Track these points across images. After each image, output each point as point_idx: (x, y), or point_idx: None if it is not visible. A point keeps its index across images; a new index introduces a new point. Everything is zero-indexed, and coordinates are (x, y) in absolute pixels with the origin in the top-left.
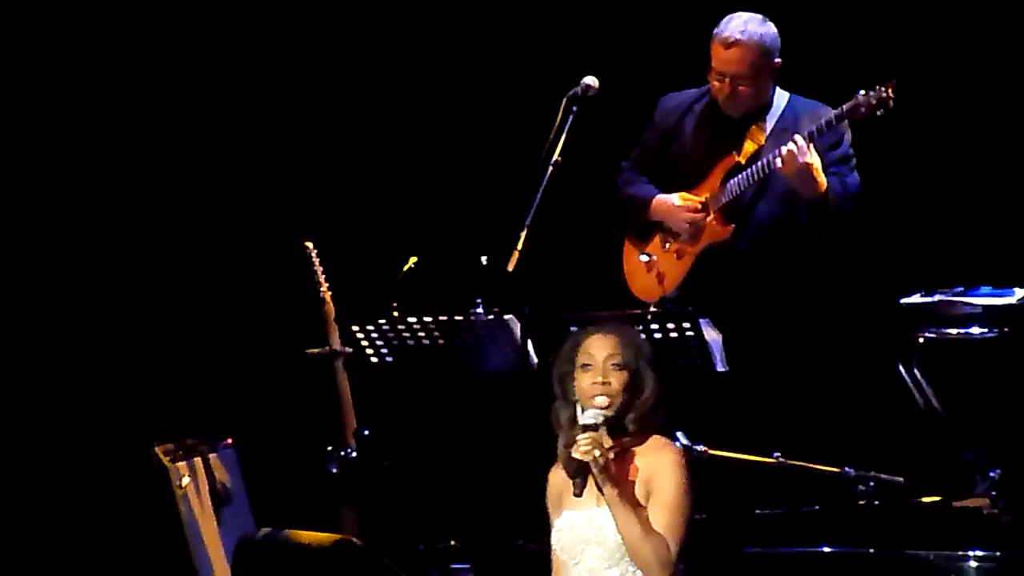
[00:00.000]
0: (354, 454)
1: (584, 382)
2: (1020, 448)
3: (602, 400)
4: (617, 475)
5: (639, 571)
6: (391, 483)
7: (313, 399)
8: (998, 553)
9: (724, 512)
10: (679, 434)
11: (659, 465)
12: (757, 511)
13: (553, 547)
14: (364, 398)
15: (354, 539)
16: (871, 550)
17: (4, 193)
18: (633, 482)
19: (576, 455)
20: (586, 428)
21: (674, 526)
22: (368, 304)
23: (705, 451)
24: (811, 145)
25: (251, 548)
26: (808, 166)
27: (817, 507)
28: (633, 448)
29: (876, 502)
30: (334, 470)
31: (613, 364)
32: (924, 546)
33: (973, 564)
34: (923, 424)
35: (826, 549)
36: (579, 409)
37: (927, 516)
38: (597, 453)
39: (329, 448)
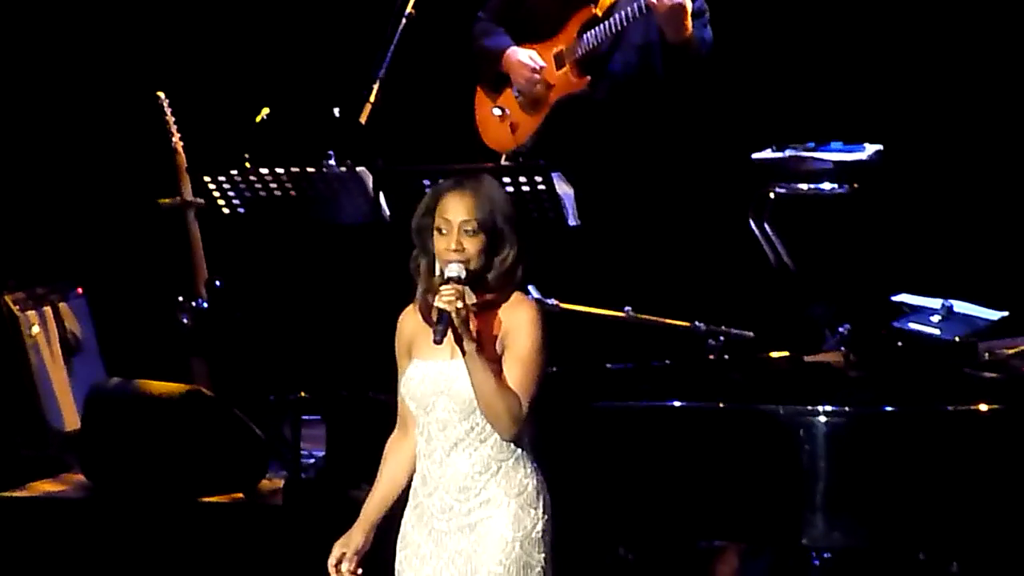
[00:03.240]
0: (205, 305)
1: (440, 246)
2: (870, 303)
3: (457, 267)
4: (476, 330)
5: (488, 425)
6: (242, 334)
7: (164, 250)
8: (847, 408)
9: (575, 366)
10: (531, 288)
11: (515, 322)
12: (608, 365)
13: (402, 394)
14: (216, 249)
15: (204, 390)
16: (721, 404)
17: None
18: (491, 337)
19: (439, 304)
20: (449, 280)
21: (526, 382)
22: (220, 155)
23: (557, 305)
24: None
25: (102, 397)
26: (681, 6)
27: (668, 361)
28: (493, 305)
29: (726, 356)
30: (185, 321)
31: (467, 229)
32: (774, 401)
33: (822, 419)
34: (773, 279)
35: (676, 403)
36: (438, 264)
37: (777, 371)
38: (459, 304)
39: (180, 299)
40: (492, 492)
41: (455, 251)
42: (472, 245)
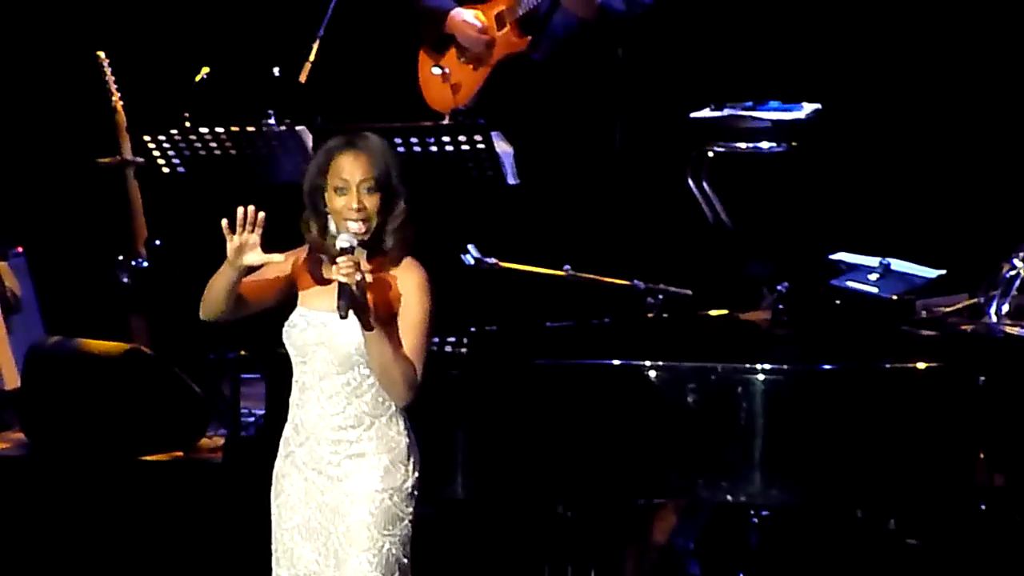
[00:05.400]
0: (145, 264)
1: (338, 204)
2: (807, 262)
3: (358, 227)
4: (371, 297)
5: (365, 380)
6: (181, 293)
7: (104, 209)
8: (785, 366)
9: (514, 324)
10: (471, 247)
11: (406, 287)
12: (547, 323)
13: (284, 338)
14: (155, 208)
15: (144, 348)
16: (660, 362)
17: None
18: (386, 302)
19: (338, 277)
20: (343, 252)
21: (418, 348)
22: (160, 114)
23: (496, 263)
24: None
25: (42, 356)
26: None
27: (607, 319)
28: (386, 268)
29: (665, 315)
30: (125, 279)
31: (367, 188)
32: (712, 359)
33: (760, 377)
34: (712, 237)
35: (615, 362)
36: (332, 226)
37: (715, 329)
38: (358, 276)
39: (120, 258)
40: (364, 447)
41: (357, 210)
42: (371, 203)
